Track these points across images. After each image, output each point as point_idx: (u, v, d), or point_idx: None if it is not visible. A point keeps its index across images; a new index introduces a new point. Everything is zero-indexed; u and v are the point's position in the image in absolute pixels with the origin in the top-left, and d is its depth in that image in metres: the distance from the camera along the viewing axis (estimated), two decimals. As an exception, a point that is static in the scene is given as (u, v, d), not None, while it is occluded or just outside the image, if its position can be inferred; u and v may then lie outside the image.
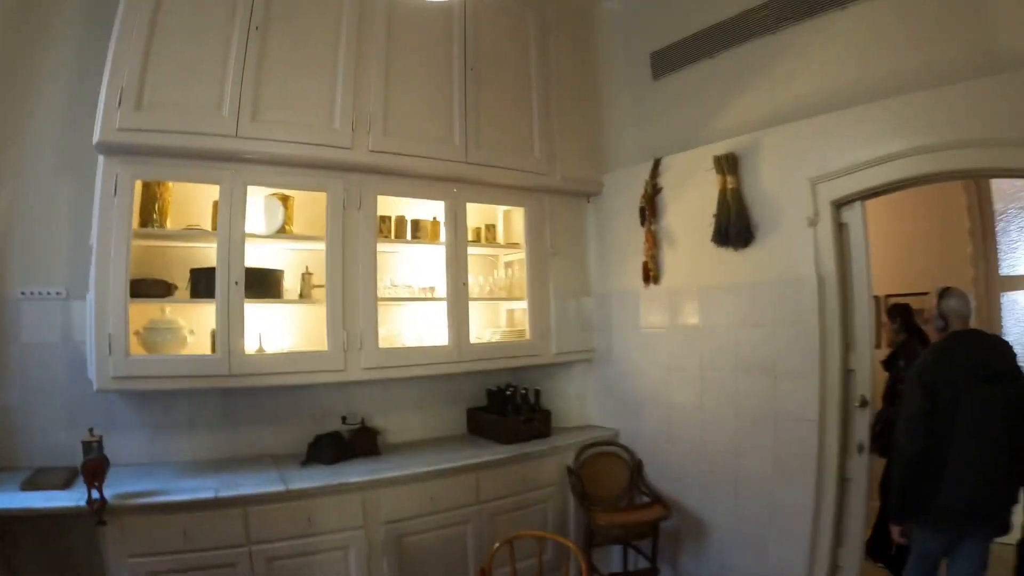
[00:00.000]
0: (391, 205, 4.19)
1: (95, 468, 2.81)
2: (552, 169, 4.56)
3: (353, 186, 3.79)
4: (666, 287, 4.28)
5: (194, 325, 3.54)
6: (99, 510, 2.80)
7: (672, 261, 4.25)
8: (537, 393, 4.57)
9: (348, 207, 3.77)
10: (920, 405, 2.88)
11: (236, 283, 3.40)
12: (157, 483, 3.18)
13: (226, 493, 3.09)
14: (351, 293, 3.77)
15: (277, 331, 3.86)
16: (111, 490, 2.91)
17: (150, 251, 3.56)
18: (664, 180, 4.29)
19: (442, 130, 4.08)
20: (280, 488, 3.23)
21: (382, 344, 3.92)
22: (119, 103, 3.12)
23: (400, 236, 4.20)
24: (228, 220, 3.42)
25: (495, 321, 4.88)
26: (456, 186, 4.23)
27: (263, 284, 3.64)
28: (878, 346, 4.74)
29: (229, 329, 3.39)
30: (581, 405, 4.93)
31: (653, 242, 4.29)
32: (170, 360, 3.37)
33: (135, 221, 3.30)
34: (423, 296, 4.28)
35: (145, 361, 3.30)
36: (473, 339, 4.33)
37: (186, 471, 3.45)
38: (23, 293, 3.45)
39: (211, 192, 3.56)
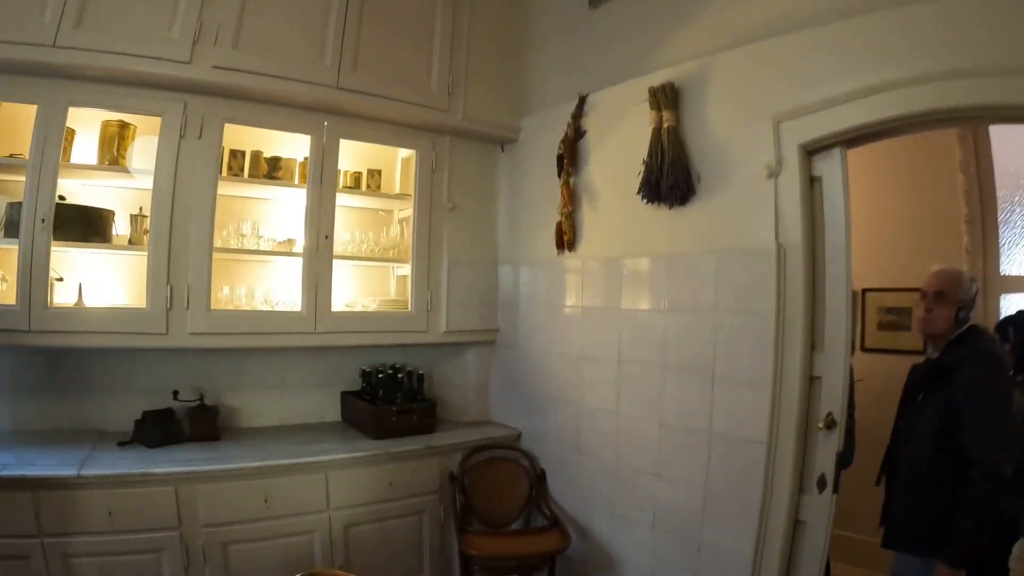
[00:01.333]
0: (252, 139, 3.53)
1: None
2: (454, 105, 3.78)
3: (194, 111, 3.20)
4: (583, 255, 3.50)
5: (9, 271, 3.02)
6: None
7: (592, 223, 3.44)
8: (420, 378, 3.82)
9: (187, 135, 3.18)
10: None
11: (43, 221, 2.92)
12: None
13: (9, 472, 2.65)
14: (180, 241, 3.17)
15: (106, 283, 3.34)
16: None
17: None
18: (590, 121, 3.45)
19: (311, 47, 3.38)
20: (71, 473, 2.72)
21: (225, 306, 3.42)
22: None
23: (256, 175, 3.52)
24: (42, 146, 2.93)
25: (383, 289, 4.12)
26: (327, 118, 3.52)
27: (87, 225, 3.13)
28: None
29: (32, 276, 2.91)
30: (481, 398, 4.23)
31: (570, 198, 3.46)
32: (-40, 310, 2.88)
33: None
34: (279, 251, 3.52)
35: (-65, 310, 2.86)
36: (341, 307, 3.65)
37: (-7, 442, 3.03)
38: None
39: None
